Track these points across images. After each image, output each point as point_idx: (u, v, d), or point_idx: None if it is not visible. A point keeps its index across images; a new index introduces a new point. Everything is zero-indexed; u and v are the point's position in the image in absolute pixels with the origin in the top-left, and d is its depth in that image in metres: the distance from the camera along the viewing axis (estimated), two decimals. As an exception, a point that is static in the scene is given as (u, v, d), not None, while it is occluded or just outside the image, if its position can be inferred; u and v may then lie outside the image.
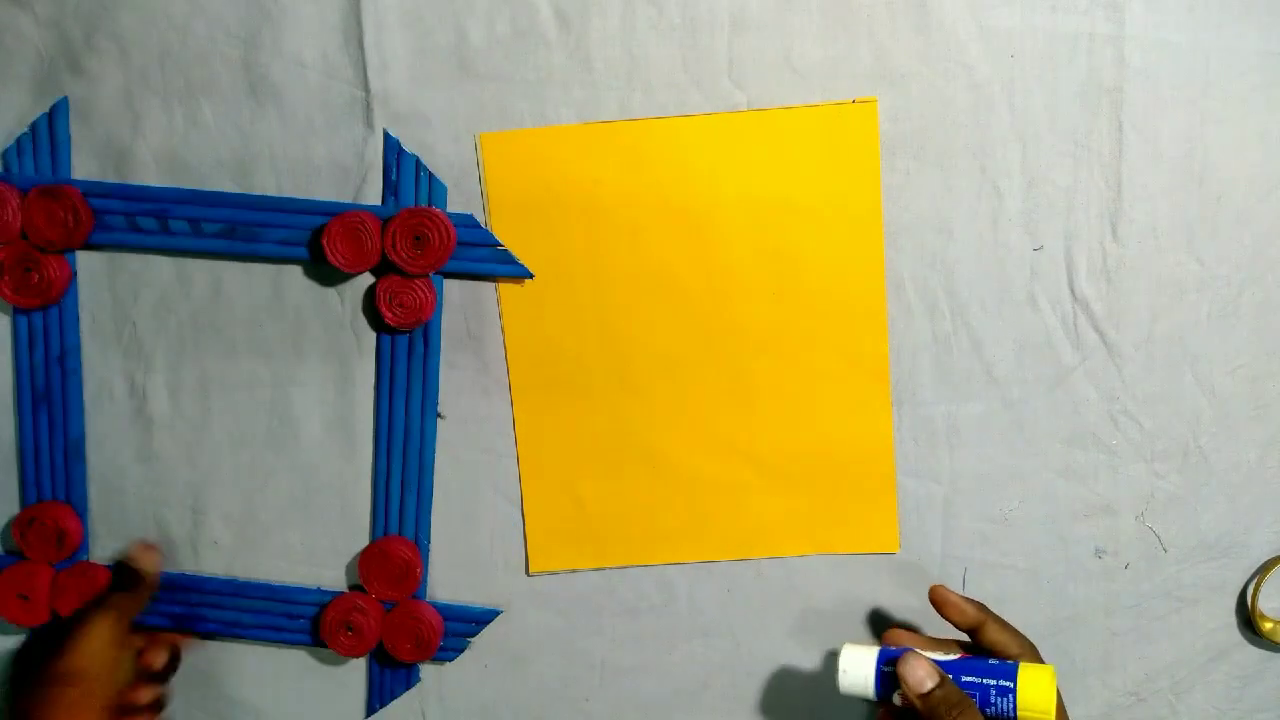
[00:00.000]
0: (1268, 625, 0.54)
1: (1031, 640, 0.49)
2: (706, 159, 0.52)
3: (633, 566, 0.56)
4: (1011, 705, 0.46)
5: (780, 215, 0.52)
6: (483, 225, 0.53)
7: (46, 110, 0.53)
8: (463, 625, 0.57)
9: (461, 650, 0.57)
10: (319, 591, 0.57)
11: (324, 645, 0.56)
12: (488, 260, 0.53)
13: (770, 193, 0.52)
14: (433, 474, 0.56)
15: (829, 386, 0.54)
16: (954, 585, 0.55)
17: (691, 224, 0.53)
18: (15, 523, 0.56)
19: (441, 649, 0.56)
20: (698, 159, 0.52)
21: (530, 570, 0.56)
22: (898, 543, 0.55)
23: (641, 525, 0.56)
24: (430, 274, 0.52)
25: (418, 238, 0.52)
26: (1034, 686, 0.46)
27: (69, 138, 0.53)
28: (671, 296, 0.54)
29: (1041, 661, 0.48)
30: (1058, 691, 0.46)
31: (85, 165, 0.54)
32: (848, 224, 0.52)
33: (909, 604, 0.56)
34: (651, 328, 0.54)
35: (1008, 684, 0.46)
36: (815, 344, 0.54)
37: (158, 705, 0.55)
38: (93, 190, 0.53)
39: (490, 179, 0.53)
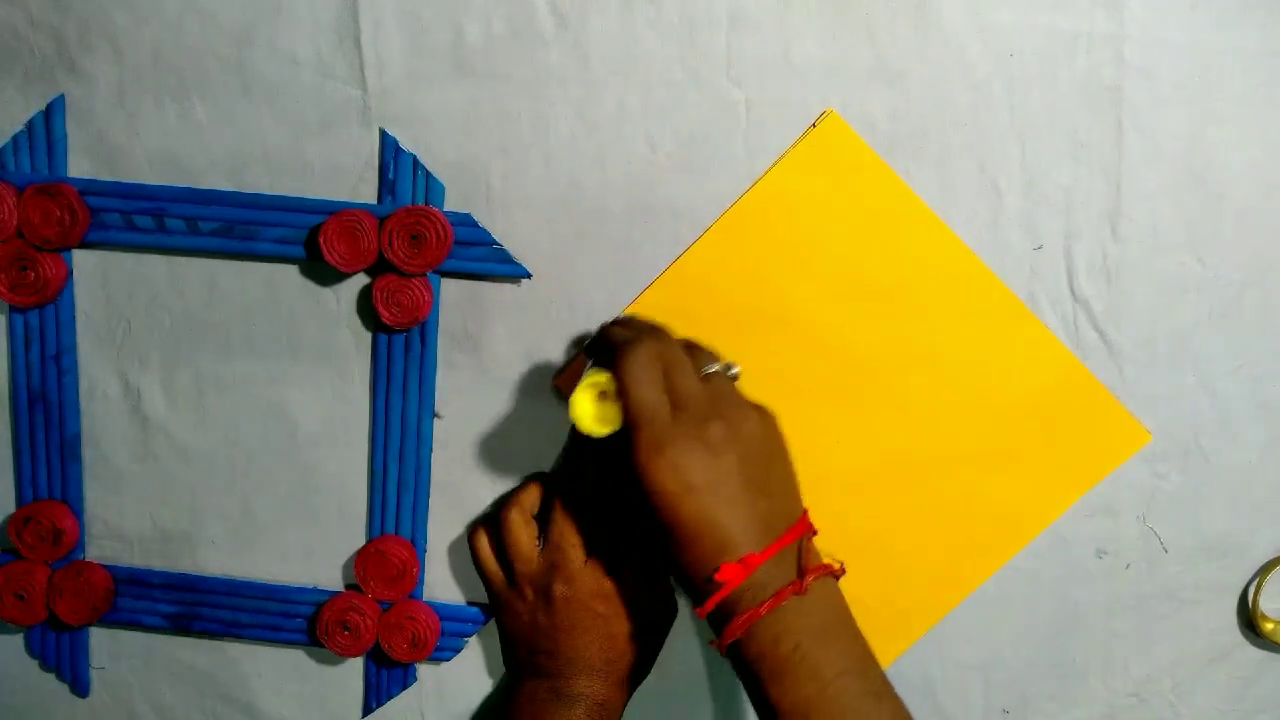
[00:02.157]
0: (1269, 626, 0.54)
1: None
2: (748, 259, 0.52)
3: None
4: None
5: (844, 255, 0.52)
6: (480, 224, 0.53)
7: (42, 108, 0.53)
8: (459, 625, 0.57)
9: (458, 650, 0.57)
10: (315, 591, 0.57)
11: (321, 645, 0.56)
12: (485, 259, 0.53)
13: (819, 243, 0.52)
14: (429, 474, 0.55)
15: (985, 351, 0.53)
16: (953, 586, 0.55)
17: (778, 315, 0.53)
18: (11, 522, 0.56)
19: (438, 649, 0.56)
20: (741, 263, 0.52)
21: None
22: (1146, 430, 0.53)
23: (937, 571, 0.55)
24: (427, 273, 0.52)
25: (415, 237, 0.51)
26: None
27: (65, 136, 0.53)
28: (817, 375, 0.54)
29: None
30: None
31: (79, 164, 0.54)
32: (896, 222, 0.52)
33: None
34: (814, 406, 0.54)
35: None
36: (951, 331, 0.53)
37: None
38: (89, 188, 0.53)
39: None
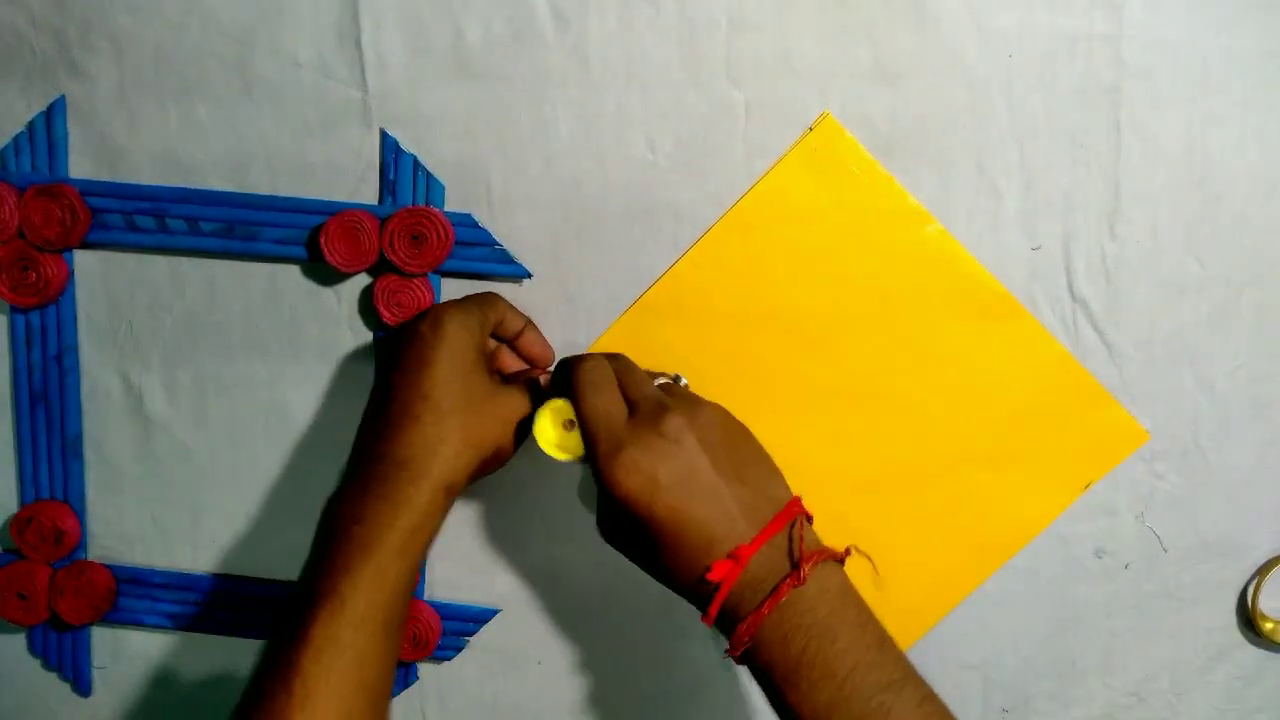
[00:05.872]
0: (1268, 625, 0.54)
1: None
2: (746, 261, 0.52)
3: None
4: None
5: (842, 257, 0.52)
6: (480, 225, 0.53)
7: (44, 109, 0.53)
8: (461, 624, 0.57)
9: (460, 649, 0.57)
10: (317, 591, 0.57)
11: (322, 644, 0.56)
12: (486, 259, 0.53)
13: (817, 245, 0.52)
14: (430, 473, 0.56)
15: (983, 351, 0.53)
16: (953, 585, 0.55)
17: (777, 316, 0.53)
18: (13, 522, 0.56)
19: (439, 648, 0.56)
20: (740, 264, 0.52)
21: None
22: (1144, 430, 0.53)
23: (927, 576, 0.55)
24: (428, 273, 0.52)
25: (415, 237, 0.52)
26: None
27: (66, 136, 0.53)
28: (810, 387, 0.54)
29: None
30: None
31: (80, 164, 0.54)
32: (894, 224, 0.52)
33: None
34: (812, 421, 0.54)
35: None
36: (950, 331, 0.53)
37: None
38: (90, 189, 0.53)
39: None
